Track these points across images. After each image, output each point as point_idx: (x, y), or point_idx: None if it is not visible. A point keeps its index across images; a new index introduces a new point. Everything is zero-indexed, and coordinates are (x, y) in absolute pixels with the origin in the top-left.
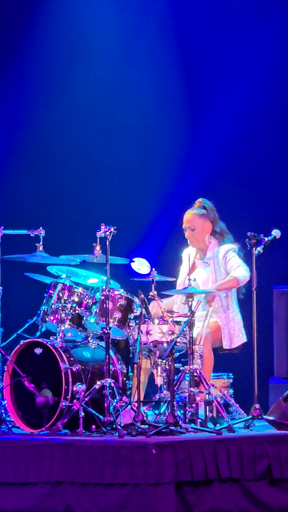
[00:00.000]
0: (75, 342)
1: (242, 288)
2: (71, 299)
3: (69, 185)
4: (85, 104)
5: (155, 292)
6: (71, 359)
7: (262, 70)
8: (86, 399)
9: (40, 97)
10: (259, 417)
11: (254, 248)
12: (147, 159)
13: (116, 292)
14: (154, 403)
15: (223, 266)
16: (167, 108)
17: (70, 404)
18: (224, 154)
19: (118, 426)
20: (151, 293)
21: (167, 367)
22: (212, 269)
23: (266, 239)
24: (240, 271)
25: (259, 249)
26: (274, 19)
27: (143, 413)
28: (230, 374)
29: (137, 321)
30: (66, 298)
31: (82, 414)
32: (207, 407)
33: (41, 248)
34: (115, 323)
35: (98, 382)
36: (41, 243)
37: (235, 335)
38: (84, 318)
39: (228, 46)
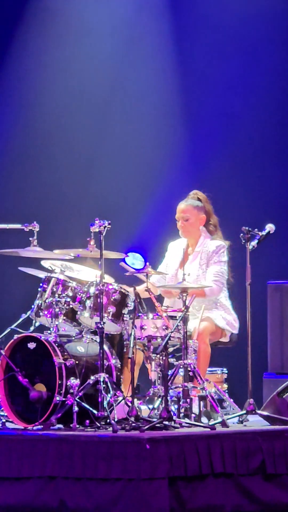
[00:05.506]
0: (69, 337)
1: (231, 279)
2: (65, 293)
3: (64, 179)
4: (80, 98)
5: (149, 287)
6: (65, 353)
7: (258, 66)
8: (80, 394)
9: (35, 92)
10: (253, 412)
11: (248, 243)
12: (141, 153)
13: (110, 287)
14: (148, 398)
15: (210, 259)
16: (162, 103)
17: (64, 399)
18: (218, 149)
19: (112, 421)
20: (145, 288)
21: (161, 362)
22: (199, 262)
23: (261, 233)
24: (212, 286)
25: (254, 243)
26: (271, 19)
27: (137, 408)
28: (225, 369)
29: (131, 316)
30: (60, 293)
31: (76, 409)
32: (201, 402)
33: (35, 242)
34: (109, 317)
35: (92, 377)
36: (35, 237)
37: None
38: (78, 313)
39: (227, 39)
